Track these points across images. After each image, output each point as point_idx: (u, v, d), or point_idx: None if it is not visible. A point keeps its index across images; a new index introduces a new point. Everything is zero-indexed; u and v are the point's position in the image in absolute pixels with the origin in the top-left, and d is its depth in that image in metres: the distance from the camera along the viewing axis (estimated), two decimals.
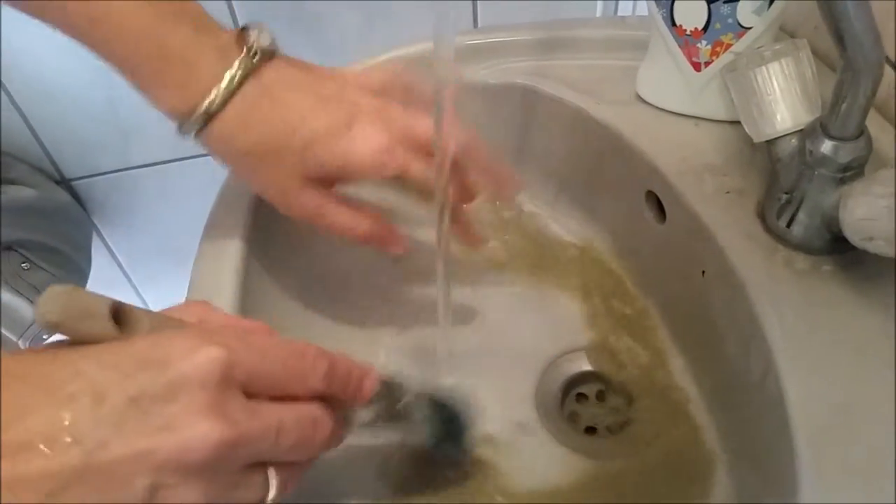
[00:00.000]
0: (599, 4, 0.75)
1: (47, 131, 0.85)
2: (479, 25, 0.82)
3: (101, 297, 0.27)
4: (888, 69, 0.45)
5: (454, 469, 0.46)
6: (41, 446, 0.23)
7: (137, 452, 0.25)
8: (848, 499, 0.32)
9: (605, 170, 0.53)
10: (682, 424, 0.48)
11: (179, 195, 0.96)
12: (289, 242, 0.52)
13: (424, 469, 0.46)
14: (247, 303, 0.44)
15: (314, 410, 0.31)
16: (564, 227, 0.58)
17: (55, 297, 0.26)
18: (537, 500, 0.46)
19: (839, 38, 0.34)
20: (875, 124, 0.45)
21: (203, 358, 0.26)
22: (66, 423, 0.24)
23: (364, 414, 0.36)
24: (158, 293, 1.10)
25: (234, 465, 0.28)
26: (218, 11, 0.75)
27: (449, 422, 0.42)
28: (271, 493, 0.30)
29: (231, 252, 0.46)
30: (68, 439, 0.24)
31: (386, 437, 0.40)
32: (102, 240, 0.99)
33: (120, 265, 1.04)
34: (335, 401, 0.33)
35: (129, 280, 1.07)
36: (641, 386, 0.51)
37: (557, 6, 0.76)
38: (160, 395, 0.25)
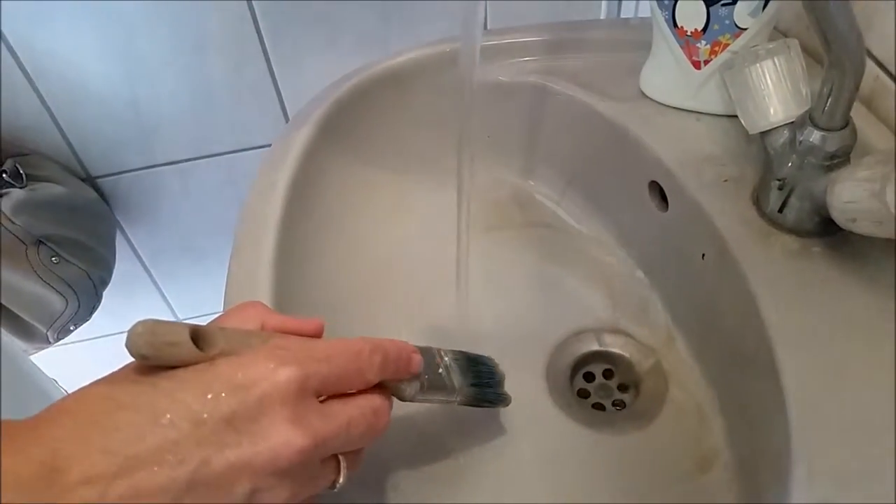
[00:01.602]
0: (603, 5, 0.78)
1: (75, 131, 0.89)
2: (489, 27, 0.85)
3: (181, 324, 0.31)
4: (871, 64, 0.49)
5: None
6: (155, 468, 0.27)
7: (235, 464, 0.29)
8: (838, 461, 0.35)
9: (611, 162, 0.56)
10: (685, 399, 0.51)
11: (199, 193, 0.99)
12: (320, 231, 0.55)
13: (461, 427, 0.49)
14: (282, 291, 0.47)
15: (374, 400, 0.35)
16: (573, 215, 0.62)
17: (142, 333, 0.30)
18: (548, 470, 0.49)
19: (824, 38, 0.37)
20: (860, 116, 0.48)
21: (282, 378, 0.30)
22: (174, 445, 0.28)
23: (413, 386, 0.39)
24: (177, 287, 1.14)
25: (314, 462, 0.32)
26: (238, 14, 0.79)
27: (485, 375, 0.45)
28: (342, 478, 0.34)
29: (266, 243, 0.49)
30: (176, 459, 0.27)
31: (433, 401, 0.42)
32: (125, 235, 1.02)
33: (140, 259, 1.07)
34: (388, 382, 0.37)
35: (150, 274, 1.10)
36: (646, 364, 0.54)
37: (563, 7, 0.79)
38: (249, 414, 0.29)
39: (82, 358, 1.21)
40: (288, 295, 0.48)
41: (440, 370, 0.41)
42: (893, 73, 0.47)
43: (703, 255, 0.49)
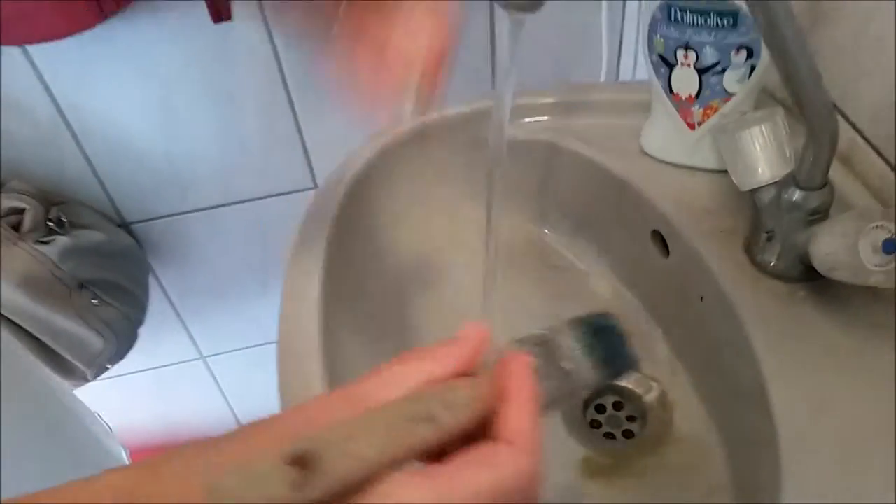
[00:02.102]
0: (603, 67, 0.84)
1: (112, 181, 0.95)
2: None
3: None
4: (848, 127, 0.54)
5: None
6: None
7: None
8: (824, 484, 0.40)
9: (617, 212, 0.62)
10: (688, 428, 0.57)
11: (226, 236, 1.05)
12: (364, 268, 0.61)
13: None
14: (329, 324, 0.53)
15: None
16: (582, 259, 0.67)
17: None
18: (567, 495, 0.54)
19: (802, 112, 0.43)
20: (839, 174, 0.53)
21: None
22: None
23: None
24: (204, 328, 1.19)
25: None
26: (267, 68, 0.86)
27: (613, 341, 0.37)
28: None
29: (313, 283, 0.55)
30: None
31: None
32: (155, 277, 1.08)
33: (169, 299, 1.13)
34: None
35: (178, 315, 1.16)
36: (652, 396, 0.60)
37: (566, 68, 0.86)
38: None
39: (110, 393, 1.26)
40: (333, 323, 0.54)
41: (561, 364, 0.35)
42: (867, 136, 0.53)
43: (702, 297, 0.54)
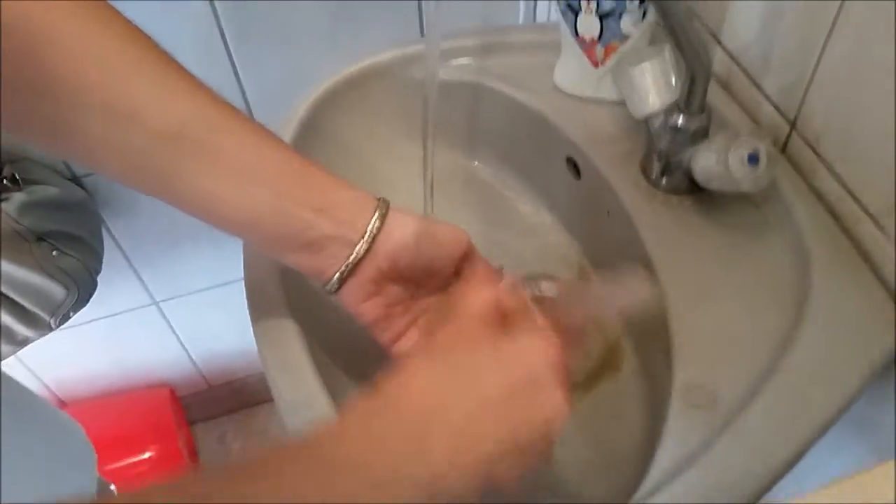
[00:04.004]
0: (521, 8, 0.91)
1: None
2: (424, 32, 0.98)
3: None
4: (724, 56, 0.64)
5: None
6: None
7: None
8: (706, 353, 0.50)
9: (536, 143, 0.70)
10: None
11: None
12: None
13: None
14: None
15: None
16: (508, 187, 0.76)
17: None
18: None
19: (680, 50, 0.52)
20: (718, 97, 0.63)
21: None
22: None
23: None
24: (156, 273, 1.24)
25: None
26: (206, 22, 0.90)
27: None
28: None
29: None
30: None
31: None
32: (106, 227, 1.12)
33: (121, 249, 1.18)
34: None
35: (129, 262, 1.20)
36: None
37: (484, 10, 0.92)
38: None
39: (66, 341, 1.30)
40: None
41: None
42: (741, 63, 0.62)
43: (608, 212, 0.63)
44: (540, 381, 0.39)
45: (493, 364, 0.39)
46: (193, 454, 1.48)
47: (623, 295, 0.43)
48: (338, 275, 0.46)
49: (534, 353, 0.40)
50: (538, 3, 0.91)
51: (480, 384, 0.38)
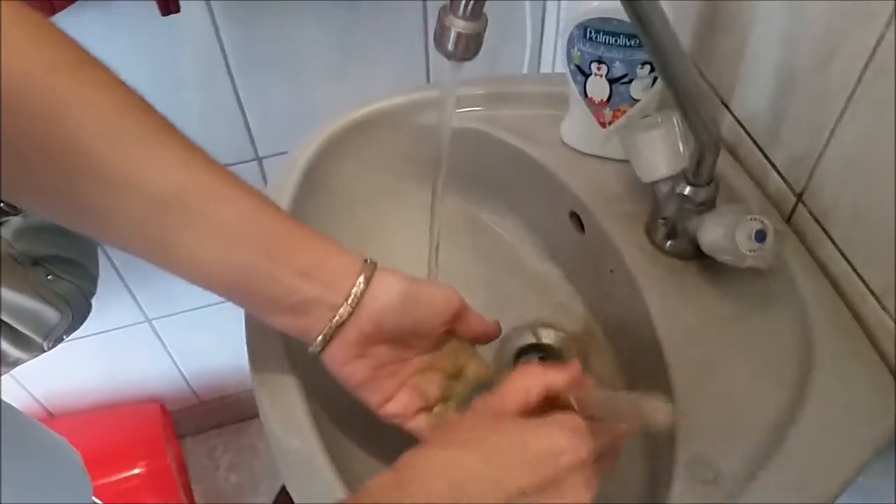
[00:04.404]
0: (526, 58, 0.92)
1: None
2: (431, 80, 0.98)
3: None
4: (733, 121, 0.64)
5: None
6: None
7: None
8: (710, 421, 0.51)
9: (540, 194, 0.70)
10: (603, 378, 0.67)
11: None
12: None
13: None
14: None
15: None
16: (511, 234, 0.76)
17: None
18: None
19: (690, 124, 0.52)
20: (727, 163, 0.63)
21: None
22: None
23: None
24: (150, 292, 1.24)
25: None
26: (211, 54, 0.90)
27: None
28: None
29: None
30: None
31: None
32: (101, 247, 1.12)
33: (115, 268, 1.17)
34: None
35: (123, 281, 1.20)
36: (573, 352, 0.69)
37: (490, 61, 0.93)
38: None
39: (58, 355, 1.29)
40: None
41: None
42: (749, 132, 0.63)
43: (611, 270, 0.64)
44: (566, 483, 0.39)
45: (519, 459, 0.39)
46: (183, 469, 1.48)
47: (643, 415, 0.43)
48: (321, 337, 0.47)
49: (563, 453, 0.39)
50: (542, 51, 0.92)
51: (505, 480, 0.38)
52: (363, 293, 0.46)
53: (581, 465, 0.40)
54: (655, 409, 0.41)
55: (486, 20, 0.43)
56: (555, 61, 0.88)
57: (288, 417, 0.52)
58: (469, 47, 0.43)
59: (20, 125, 0.39)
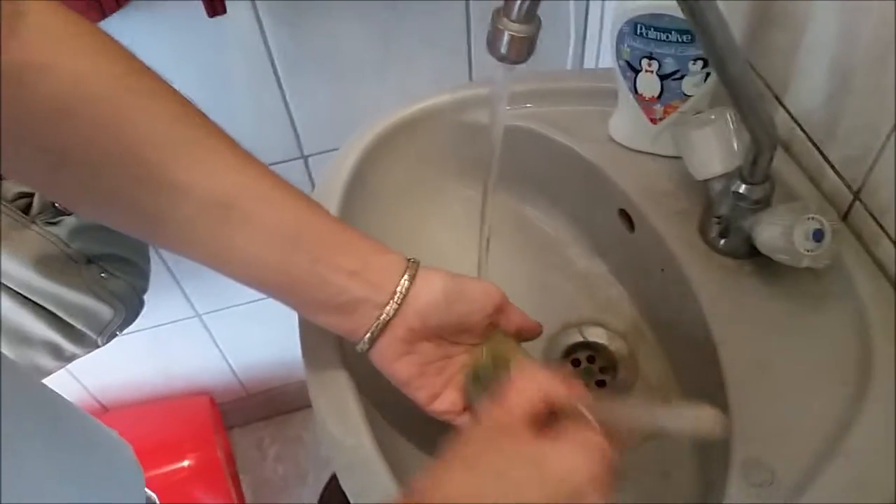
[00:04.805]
0: (570, 56, 0.91)
1: None
2: (474, 78, 0.98)
3: None
4: (787, 118, 0.63)
5: None
6: None
7: None
8: (766, 426, 0.50)
9: (589, 191, 0.70)
10: (653, 378, 0.66)
11: None
12: None
13: None
14: None
15: None
16: (558, 232, 0.75)
17: None
18: None
19: (746, 125, 0.51)
20: (781, 160, 0.61)
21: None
22: None
23: None
24: (200, 287, 1.26)
25: None
26: (258, 54, 0.91)
27: None
28: None
29: None
30: None
31: None
32: (153, 245, 1.14)
33: (166, 264, 1.19)
34: None
35: (174, 276, 1.22)
36: (621, 351, 0.69)
37: (536, 54, 0.92)
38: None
39: (110, 349, 1.32)
40: None
41: None
42: (804, 127, 0.61)
43: (662, 269, 0.63)
44: (582, 497, 0.39)
45: (535, 477, 0.39)
46: (231, 461, 1.51)
47: (684, 425, 0.42)
48: (368, 335, 0.48)
49: (578, 467, 0.39)
50: (586, 47, 0.91)
51: (521, 499, 0.38)
52: (408, 291, 0.48)
53: (598, 483, 0.39)
54: (701, 418, 0.41)
55: (540, 23, 0.43)
56: (598, 57, 0.87)
57: (342, 415, 0.53)
58: (522, 50, 0.43)
59: (82, 135, 0.41)
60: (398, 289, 0.47)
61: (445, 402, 0.52)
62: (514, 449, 0.41)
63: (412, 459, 0.60)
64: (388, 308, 0.47)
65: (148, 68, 0.43)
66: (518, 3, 0.41)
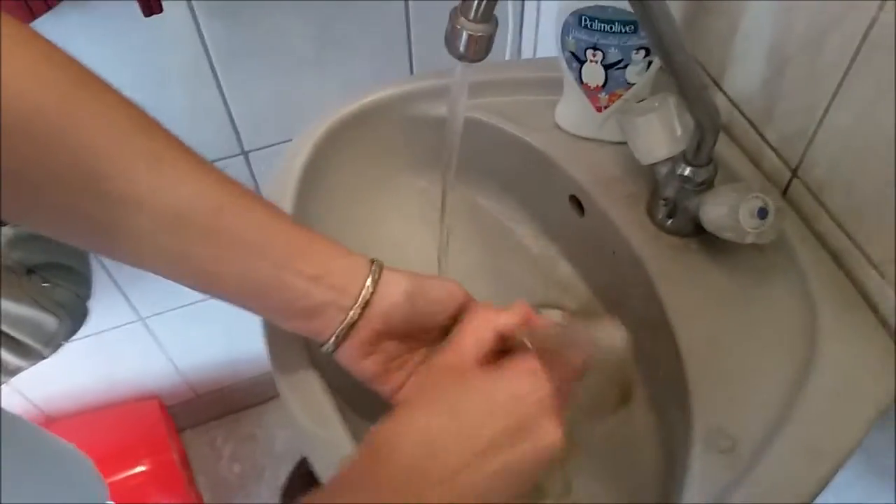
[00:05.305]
0: (508, 45, 0.92)
1: None
2: (415, 70, 0.98)
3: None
4: (727, 102, 0.65)
5: None
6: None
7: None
8: (722, 394, 0.52)
9: (538, 179, 0.71)
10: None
11: None
12: None
13: None
14: None
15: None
16: (511, 219, 0.77)
17: None
18: None
19: (689, 110, 0.53)
20: (723, 142, 0.64)
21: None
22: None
23: None
24: (141, 291, 1.24)
25: None
26: (194, 51, 0.89)
27: None
28: None
29: None
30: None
31: None
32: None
33: (106, 269, 1.17)
34: None
35: (115, 281, 1.20)
36: None
37: None
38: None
39: (52, 359, 1.29)
40: None
41: None
42: (743, 111, 0.64)
43: (614, 251, 0.65)
44: (535, 425, 0.41)
45: (485, 408, 0.41)
46: (186, 463, 1.49)
47: (599, 342, 0.46)
48: (333, 338, 0.49)
49: (523, 394, 0.41)
50: (524, 36, 0.92)
51: (474, 432, 0.40)
52: (372, 294, 0.48)
53: (545, 404, 0.42)
54: (611, 336, 0.43)
55: (497, 22, 0.44)
56: (536, 47, 0.89)
57: (314, 409, 0.54)
58: (480, 49, 0.44)
59: (28, 150, 0.39)
60: (362, 293, 0.48)
61: (408, 392, 0.53)
62: (463, 386, 0.43)
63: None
64: (351, 312, 0.48)
65: (96, 77, 0.42)
66: (476, 3, 0.42)
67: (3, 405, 0.57)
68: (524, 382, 0.42)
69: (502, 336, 0.46)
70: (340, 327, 0.48)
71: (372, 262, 0.50)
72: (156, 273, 0.46)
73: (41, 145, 0.39)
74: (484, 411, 0.41)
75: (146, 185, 0.42)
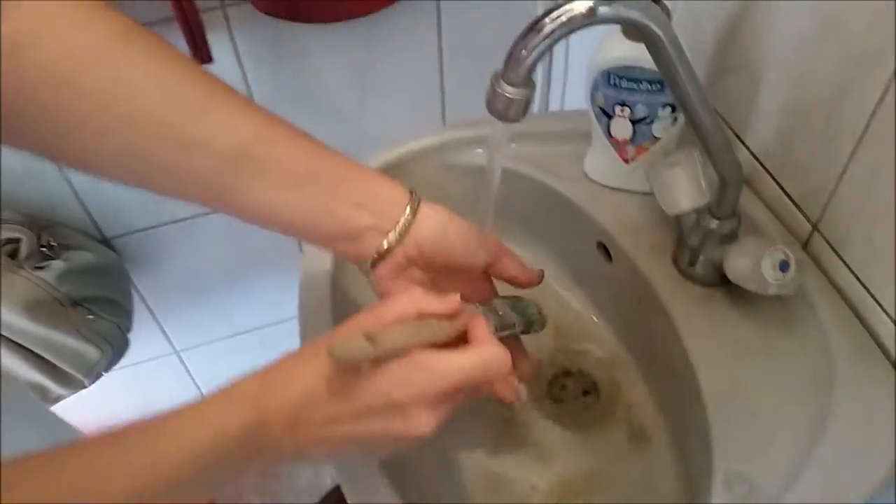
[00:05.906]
0: (536, 98, 0.96)
1: (91, 200, 1.02)
2: (447, 122, 1.02)
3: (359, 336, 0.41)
4: (748, 155, 0.68)
5: None
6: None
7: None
8: (744, 442, 0.54)
9: (567, 226, 0.74)
10: (633, 399, 0.71)
11: (198, 242, 1.14)
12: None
13: None
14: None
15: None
16: (540, 264, 0.78)
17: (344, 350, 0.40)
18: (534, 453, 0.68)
19: (714, 167, 0.56)
20: (746, 196, 0.67)
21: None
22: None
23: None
24: (177, 324, 1.27)
25: None
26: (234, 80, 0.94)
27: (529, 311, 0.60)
28: None
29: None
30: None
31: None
32: (132, 283, 1.16)
33: (144, 301, 1.21)
34: None
35: (152, 313, 1.24)
36: (602, 375, 0.73)
37: None
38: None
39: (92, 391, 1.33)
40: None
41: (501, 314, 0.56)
42: (764, 164, 0.67)
43: (640, 298, 0.68)
44: (412, 413, 0.43)
45: (374, 380, 0.42)
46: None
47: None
48: (371, 260, 0.52)
49: (414, 386, 0.43)
50: (552, 88, 0.96)
51: (354, 393, 0.42)
52: (410, 222, 0.51)
53: (429, 401, 0.43)
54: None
55: (535, 86, 0.47)
56: (564, 99, 0.93)
57: None
58: (519, 111, 0.47)
59: (85, 102, 0.43)
60: (401, 219, 0.51)
61: None
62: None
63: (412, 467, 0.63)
64: (390, 236, 0.51)
65: (143, 28, 0.46)
66: (517, 70, 0.46)
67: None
68: (419, 375, 0.43)
69: (422, 313, 0.47)
70: (378, 250, 0.51)
71: (411, 192, 0.53)
72: (209, 206, 0.49)
73: (99, 96, 0.43)
74: (373, 381, 0.43)
75: (208, 127, 0.46)
